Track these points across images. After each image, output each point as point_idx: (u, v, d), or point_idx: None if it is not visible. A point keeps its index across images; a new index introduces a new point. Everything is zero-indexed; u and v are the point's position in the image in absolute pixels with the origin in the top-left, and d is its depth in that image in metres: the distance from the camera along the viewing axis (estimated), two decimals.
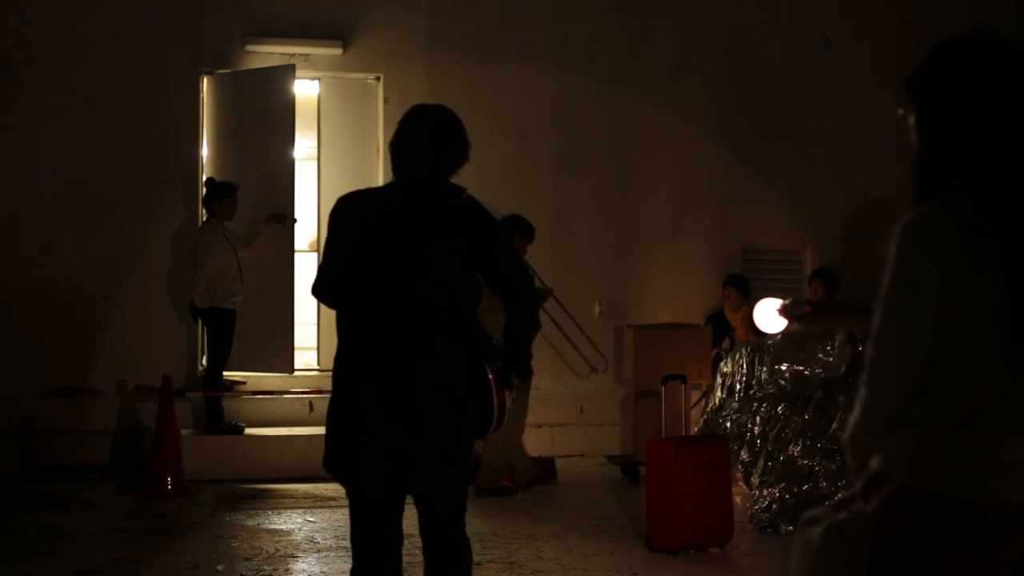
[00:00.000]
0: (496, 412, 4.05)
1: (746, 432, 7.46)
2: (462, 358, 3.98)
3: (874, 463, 2.38)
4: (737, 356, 7.67)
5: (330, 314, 10.88)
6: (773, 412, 7.37)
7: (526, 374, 4.19)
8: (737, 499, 7.43)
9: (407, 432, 3.91)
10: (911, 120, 2.45)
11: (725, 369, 7.70)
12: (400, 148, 4.07)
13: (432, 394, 3.92)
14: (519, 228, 8.68)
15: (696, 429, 8.44)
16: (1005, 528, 2.32)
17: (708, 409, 7.78)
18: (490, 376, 4.04)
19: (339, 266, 4.04)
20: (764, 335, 7.40)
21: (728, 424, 7.53)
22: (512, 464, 8.66)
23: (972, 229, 2.29)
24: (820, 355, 7.13)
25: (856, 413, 2.42)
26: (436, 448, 3.94)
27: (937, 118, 2.41)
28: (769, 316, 3.45)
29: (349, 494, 4.07)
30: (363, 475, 3.98)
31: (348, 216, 4.05)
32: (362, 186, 4.38)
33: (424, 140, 4.03)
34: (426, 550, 4.12)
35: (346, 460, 4.00)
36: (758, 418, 7.43)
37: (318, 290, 4.13)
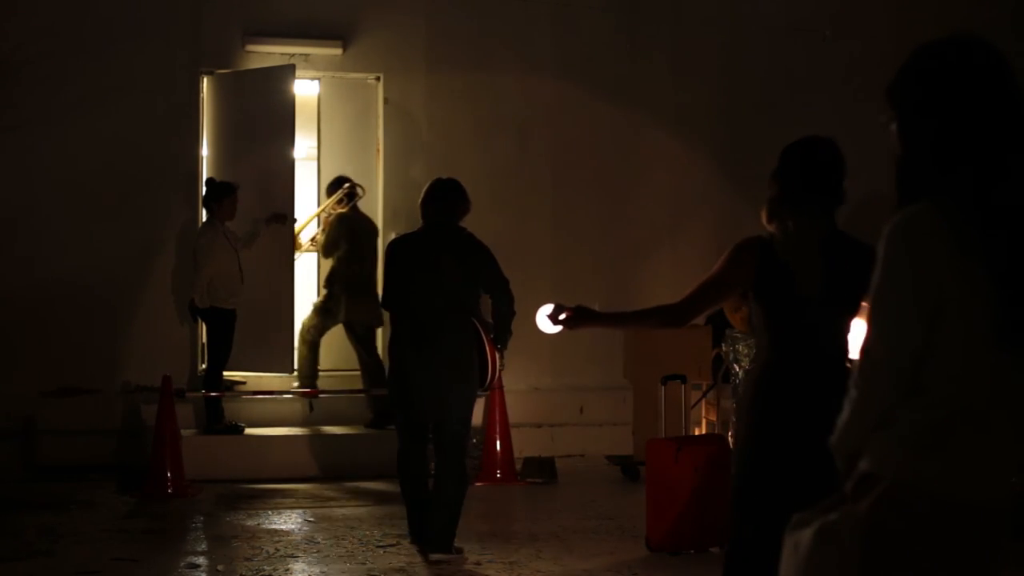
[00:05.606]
0: (491, 367, 6.38)
1: None
2: (467, 331, 6.37)
3: (864, 463, 2.37)
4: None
5: None
6: None
7: (508, 342, 6.54)
8: None
9: (435, 377, 6.30)
10: (892, 126, 2.46)
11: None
12: (426, 204, 6.54)
13: (450, 354, 6.31)
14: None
15: None
16: (995, 529, 2.31)
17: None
18: (487, 344, 6.37)
19: (396, 287, 6.55)
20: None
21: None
22: None
23: (960, 228, 2.29)
24: None
25: (844, 414, 2.41)
26: (453, 386, 6.34)
27: (917, 122, 2.41)
28: (544, 319, 3.88)
29: (398, 417, 6.63)
30: (408, 406, 6.46)
31: (396, 253, 6.62)
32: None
33: (440, 199, 6.54)
34: (436, 470, 6.45)
35: (399, 396, 6.48)
36: None
37: (386, 303, 6.69)
